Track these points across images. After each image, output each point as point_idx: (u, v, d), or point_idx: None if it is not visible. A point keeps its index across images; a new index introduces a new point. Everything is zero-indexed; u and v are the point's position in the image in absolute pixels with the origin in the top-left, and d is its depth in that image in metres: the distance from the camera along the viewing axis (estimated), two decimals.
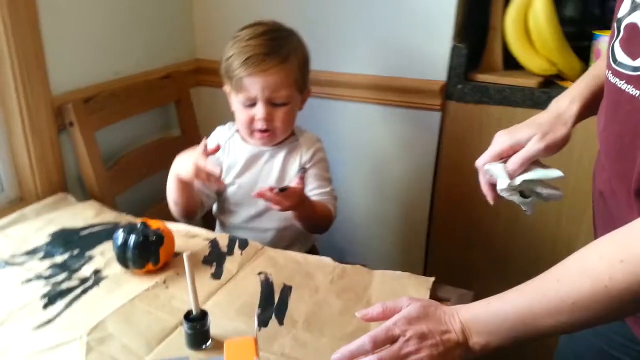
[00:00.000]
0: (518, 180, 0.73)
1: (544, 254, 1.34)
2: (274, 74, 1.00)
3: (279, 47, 1.01)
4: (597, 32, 1.18)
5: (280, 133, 1.08)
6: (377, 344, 0.60)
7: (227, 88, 1.09)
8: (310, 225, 1.09)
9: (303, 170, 1.01)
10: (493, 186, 0.76)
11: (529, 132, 0.74)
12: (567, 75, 1.27)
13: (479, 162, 0.77)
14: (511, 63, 1.30)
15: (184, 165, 0.96)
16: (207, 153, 0.94)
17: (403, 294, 0.81)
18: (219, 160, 1.13)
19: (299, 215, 1.03)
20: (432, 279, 0.84)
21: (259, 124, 1.04)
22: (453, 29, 1.26)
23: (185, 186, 1.02)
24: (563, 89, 1.22)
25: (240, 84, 1.01)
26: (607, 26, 1.31)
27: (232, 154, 1.13)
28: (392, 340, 0.60)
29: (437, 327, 0.60)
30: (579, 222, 1.27)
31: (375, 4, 1.30)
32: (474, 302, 0.63)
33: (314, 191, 1.11)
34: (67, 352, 0.68)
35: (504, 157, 0.75)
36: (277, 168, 1.12)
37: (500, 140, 0.75)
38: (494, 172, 0.74)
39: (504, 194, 0.74)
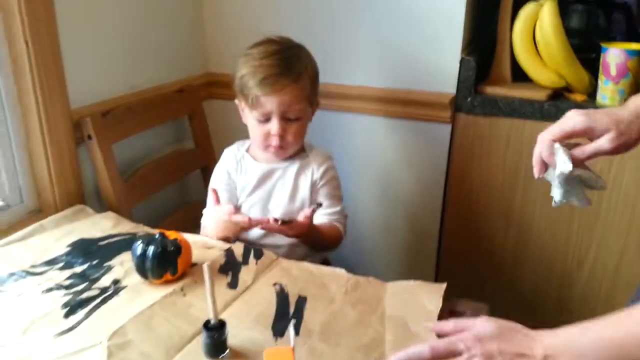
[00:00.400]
0: (576, 171, 0.72)
1: (555, 265, 1.34)
2: (288, 92, 1.03)
3: (291, 65, 1.04)
4: (604, 45, 1.20)
5: (292, 146, 1.11)
6: (436, 355, 0.58)
7: (240, 103, 1.12)
8: (318, 248, 1.13)
9: (316, 206, 1.04)
10: (544, 162, 0.75)
11: (606, 124, 0.70)
12: (576, 88, 1.28)
13: (545, 136, 0.74)
14: (520, 75, 1.31)
15: (224, 229, 1.02)
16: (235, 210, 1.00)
17: (416, 303, 0.82)
18: (234, 182, 1.16)
19: (305, 242, 1.08)
20: (444, 285, 0.85)
21: (274, 140, 1.07)
22: (461, 42, 1.27)
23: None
24: (571, 102, 1.24)
25: (256, 102, 1.05)
26: (612, 38, 1.34)
27: (244, 173, 1.16)
28: (454, 354, 0.58)
29: (511, 349, 0.57)
30: (591, 233, 1.28)
31: (384, 17, 1.33)
32: (563, 327, 0.60)
33: (324, 210, 1.13)
34: (88, 357, 0.69)
35: (573, 138, 0.73)
36: (289, 185, 1.14)
37: (577, 120, 0.72)
38: (560, 154, 0.72)
39: (559, 179, 0.73)
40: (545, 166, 0.75)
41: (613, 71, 1.18)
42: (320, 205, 1.05)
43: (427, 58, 1.32)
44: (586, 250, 1.29)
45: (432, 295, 0.83)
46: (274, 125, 1.06)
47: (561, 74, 1.26)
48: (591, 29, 1.39)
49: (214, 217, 1.04)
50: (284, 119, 1.06)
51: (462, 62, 1.28)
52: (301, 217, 0.99)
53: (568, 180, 0.73)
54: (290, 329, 0.63)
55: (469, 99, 1.29)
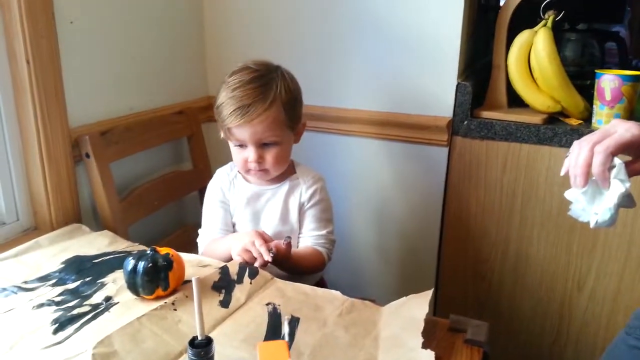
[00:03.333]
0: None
1: (555, 289, 1.33)
2: (260, 122, 1.03)
3: (262, 94, 1.03)
4: (599, 71, 1.21)
5: (274, 170, 1.10)
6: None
7: (219, 130, 1.12)
8: (297, 274, 1.10)
9: (286, 238, 1.03)
10: (589, 171, 0.68)
11: None
12: (571, 112, 1.29)
13: (601, 147, 0.66)
14: (515, 101, 1.33)
15: (240, 251, 0.98)
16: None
17: (407, 316, 0.81)
18: (228, 200, 1.16)
19: (283, 269, 1.05)
20: (431, 291, 0.85)
21: (252, 166, 1.08)
22: (458, 67, 1.29)
23: None
24: (568, 125, 1.25)
25: (229, 132, 1.06)
26: (606, 67, 1.35)
27: (237, 192, 1.16)
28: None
29: None
30: (590, 257, 1.27)
31: (381, 42, 1.35)
32: None
33: (310, 233, 1.13)
34: None
35: (628, 151, 0.68)
36: (278, 207, 1.14)
37: (635, 132, 0.66)
38: (622, 171, 0.67)
39: (618, 198, 0.67)
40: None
41: (608, 96, 1.19)
42: (289, 238, 1.03)
43: (424, 83, 1.33)
44: (586, 274, 1.28)
45: (421, 302, 0.82)
46: (250, 153, 1.06)
47: (556, 98, 1.27)
48: (585, 57, 1.41)
49: (243, 240, 1.00)
50: (260, 146, 1.06)
51: (458, 86, 1.30)
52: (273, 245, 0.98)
53: (620, 200, 0.67)
54: (285, 326, 0.62)
55: (465, 122, 1.30)
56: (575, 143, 0.70)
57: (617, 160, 0.67)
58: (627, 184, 0.66)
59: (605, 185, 0.67)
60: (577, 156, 0.68)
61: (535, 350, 1.39)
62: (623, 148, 0.66)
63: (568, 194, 0.72)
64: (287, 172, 1.15)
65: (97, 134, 1.16)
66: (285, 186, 1.15)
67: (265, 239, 0.99)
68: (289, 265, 1.04)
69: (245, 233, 1.03)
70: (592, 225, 0.69)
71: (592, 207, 0.70)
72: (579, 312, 1.32)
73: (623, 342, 0.86)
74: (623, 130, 0.67)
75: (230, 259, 1.02)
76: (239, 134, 1.05)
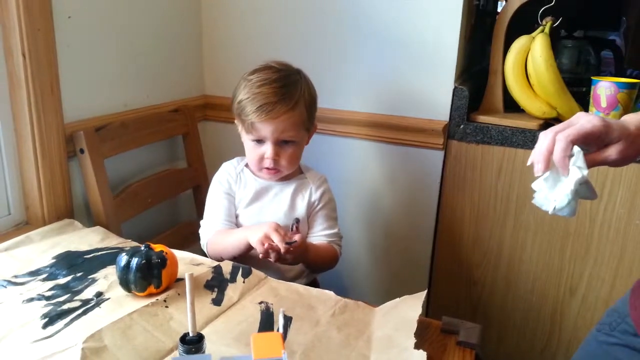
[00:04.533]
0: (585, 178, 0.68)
1: (547, 294, 1.33)
2: (284, 120, 1.06)
3: (288, 94, 1.06)
4: (595, 78, 1.22)
5: (286, 169, 1.13)
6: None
7: (238, 124, 1.14)
8: (316, 268, 1.15)
9: (296, 221, 1.08)
10: (550, 158, 0.70)
11: (619, 134, 0.69)
12: (567, 118, 1.28)
13: (562, 135, 0.68)
14: (511, 105, 1.33)
15: (260, 238, 1.00)
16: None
17: (400, 316, 0.81)
18: (234, 192, 1.17)
19: (306, 264, 1.10)
20: (425, 292, 0.85)
21: (267, 162, 1.10)
22: (455, 71, 1.30)
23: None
24: None
25: (252, 127, 1.08)
26: (601, 75, 1.36)
27: (243, 186, 1.17)
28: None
29: None
30: (583, 263, 1.27)
31: (379, 45, 1.35)
32: None
33: (322, 232, 1.15)
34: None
35: (588, 142, 0.69)
36: (285, 203, 1.15)
37: (595, 123, 0.68)
38: (580, 159, 0.68)
39: (575, 184, 0.68)
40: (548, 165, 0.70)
41: (603, 103, 1.20)
42: (297, 220, 1.09)
43: (422, 86, 1.34)
44: (578, 280, 1.29)
45: (414, 303, 0.82)
46: (267, 149, 1.08)
47: (552, 104, 1.28)
48: (582, 65, 1.42)
49: (263, 229, 1.01)
50: (278, 143, 1.09)
51: (455, 90, 1.30)
52: (294, 238, 1.00)
53: (577, 187, 0.68)
54: (280, 318, 0.61)
55: (461, 127, 1.30)
56: (541, 133, 0.71)
57: (576, 149, 0.68)
58: (585, 172, 0.68)
59: (565, 172, 0.69)
60: (541, 144, 0.70)
61: (526, 355, 1.39)
62: (584, 137, 0.68)
63: (534, 185, 0.73)
64: (294, 171, 1.18)
65: (92, 130, 1.15)
66: (293, 183, 1.17)
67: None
68: (308, 256, 1.06)
69: (264, 224, 1.03)
70: (550, 211, 0.70)
71: (553, 194, 0.71)
72: (571, 317, 1.32)
73: (594, 338, 0.88)
74: (585, 121, 0.69)
75: (242, 249, 1.04)
76: (262, 130, 1.07)
